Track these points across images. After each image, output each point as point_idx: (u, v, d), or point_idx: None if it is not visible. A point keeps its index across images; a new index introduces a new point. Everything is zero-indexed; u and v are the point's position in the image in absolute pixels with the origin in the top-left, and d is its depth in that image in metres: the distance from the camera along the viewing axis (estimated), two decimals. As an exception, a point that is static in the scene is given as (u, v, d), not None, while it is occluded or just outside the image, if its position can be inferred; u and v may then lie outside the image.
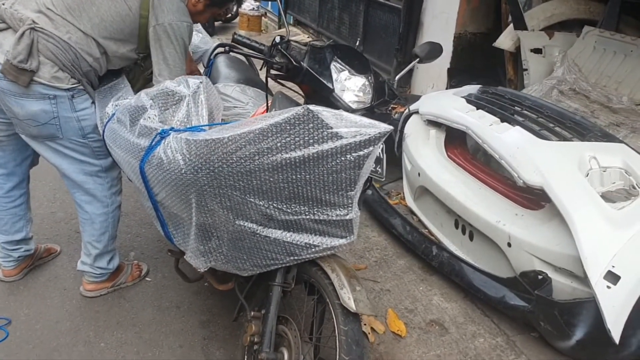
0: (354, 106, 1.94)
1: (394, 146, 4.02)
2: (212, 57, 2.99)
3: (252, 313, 1.81)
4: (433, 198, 3.16)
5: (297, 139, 1.47)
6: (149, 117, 1.82)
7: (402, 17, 5.13)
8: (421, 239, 3.02)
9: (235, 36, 2.04)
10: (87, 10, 2.07)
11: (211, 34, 8.85)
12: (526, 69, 3.99)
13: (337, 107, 1.94)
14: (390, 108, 2.44)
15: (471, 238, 2.87)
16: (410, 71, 5.37)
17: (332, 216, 1.59)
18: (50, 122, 2.11)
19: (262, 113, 2.21)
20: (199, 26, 3.27)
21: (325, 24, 7.21)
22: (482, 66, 4.65)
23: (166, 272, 2.78)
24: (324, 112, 1.46)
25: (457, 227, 2.99)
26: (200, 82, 1.84)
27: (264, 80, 2.18)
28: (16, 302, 2.50)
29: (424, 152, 3.34)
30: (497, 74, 4.55)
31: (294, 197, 1.56)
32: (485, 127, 2.82)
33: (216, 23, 9.18)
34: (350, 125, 1.46)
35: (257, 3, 8.74)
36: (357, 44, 2.74)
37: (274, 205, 1.57)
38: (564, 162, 2.43)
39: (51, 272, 2.73)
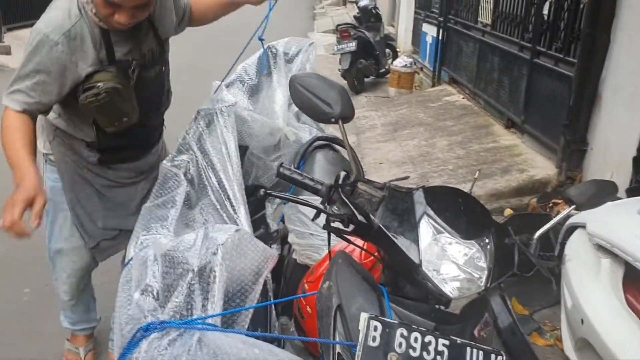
0: (454, 293, 1.19)
1: (553, 251, 3.09)
2: (306, 154, 2.41)
3: None
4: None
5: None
6: (147, 289, 1.25)
7: (574, 87, 4.16)
8: None
9: (281, 169, 1.41)
10: None
11: (359, 91, 8.43)
12: None
13: (424, 290, 1.23)
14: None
15: None
16: (583, 152, 4.36)
17: None
18: None
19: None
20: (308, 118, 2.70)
21: (483, 86, 6.36)
22: (683, 157, 3.51)
23: None
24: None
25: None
26: (222, 245, 1.23)
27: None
28: None
29: (591, 290, 2.39)
30: None
31: None
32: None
33: (366, 79, 8.74)
34: None
35: (410, 59, 8.15)
36: (476, 175, 1.92)
37: None
38: None
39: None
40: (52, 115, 2.09)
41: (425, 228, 1.23)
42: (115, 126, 1.98)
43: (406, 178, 1.70)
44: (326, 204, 1.31)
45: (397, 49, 9.99)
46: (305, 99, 1.44)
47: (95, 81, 1.90)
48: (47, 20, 1.88)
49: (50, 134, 2.16)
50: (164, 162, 2.07)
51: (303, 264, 1.94)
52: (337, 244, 1.68)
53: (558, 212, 3.59)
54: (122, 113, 1.98)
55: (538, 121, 4.90)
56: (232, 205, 1.96)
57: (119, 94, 1.92)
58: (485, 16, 6.44)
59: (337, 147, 2.56)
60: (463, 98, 7.03)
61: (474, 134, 5.69)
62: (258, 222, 2.49)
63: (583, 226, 2.67)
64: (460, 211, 1.27)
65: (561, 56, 4.50)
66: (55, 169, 2.18)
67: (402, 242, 1.22)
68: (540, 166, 4.61)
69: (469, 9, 7.02)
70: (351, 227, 1.29)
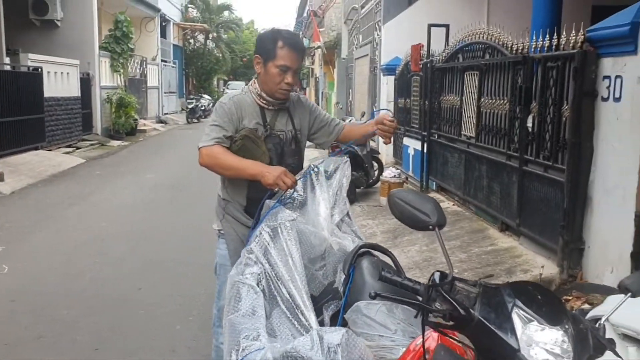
0: (547, 375, 1.38)
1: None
2: (354, 262, 2.62)
3: None
4: None
5: None
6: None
7: (566, 191, 4.54)
8: None
9: (383, 273, 1.63)
10: None
11: (352, 201, 8.78)
12: None
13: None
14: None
15: None
16: (581, 250, 4.66)
17: None
18: None
19: (418, 356, 1.73)
20: (347, 228, 2.95)
21: (473, 193, 6.78)
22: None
23: None
24: None
25: None
26: (339, 344, 1.42)
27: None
28: None
29: (625, 378, 2.56)
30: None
31: None
32: None
33: (357, 189, 9.14)
34: None
35: (398, 170, 8.62)
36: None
37: None
38: None
39: None
40: (222, 191, 2.91)
41: (517, 317, 1.44)
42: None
43: (491, 276, 1.92)
44: (426, 302, 1.51)
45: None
46: (405, 210, 1.70)
47: (237, 135, 2.77)
48: (224, 97, 2.91)
49: (221, 213, 2.90)
50: (233, 274, 2.28)
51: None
52: (417, 339, 1.84)
53: (572, 308, 3.81)
54: (254, 156, 2.73)
55: (534, 224, 5.24)
56: (302, 314, 2.14)
57: (250, 140, 2.75)
58: (468, 130, 6.99)
59: (375, 252, 2.79)
60: (453, 205, 7.43)
61: (471, 238, 5.99)
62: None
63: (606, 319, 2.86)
64: (542, 301, 1.49)
65: (550, 163, 4.94)
66: (225, 240, 2.88)
67: (500, 332, 1.42)
68: (542, 266, 4.87)
69: (452, 124, 7.61)
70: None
